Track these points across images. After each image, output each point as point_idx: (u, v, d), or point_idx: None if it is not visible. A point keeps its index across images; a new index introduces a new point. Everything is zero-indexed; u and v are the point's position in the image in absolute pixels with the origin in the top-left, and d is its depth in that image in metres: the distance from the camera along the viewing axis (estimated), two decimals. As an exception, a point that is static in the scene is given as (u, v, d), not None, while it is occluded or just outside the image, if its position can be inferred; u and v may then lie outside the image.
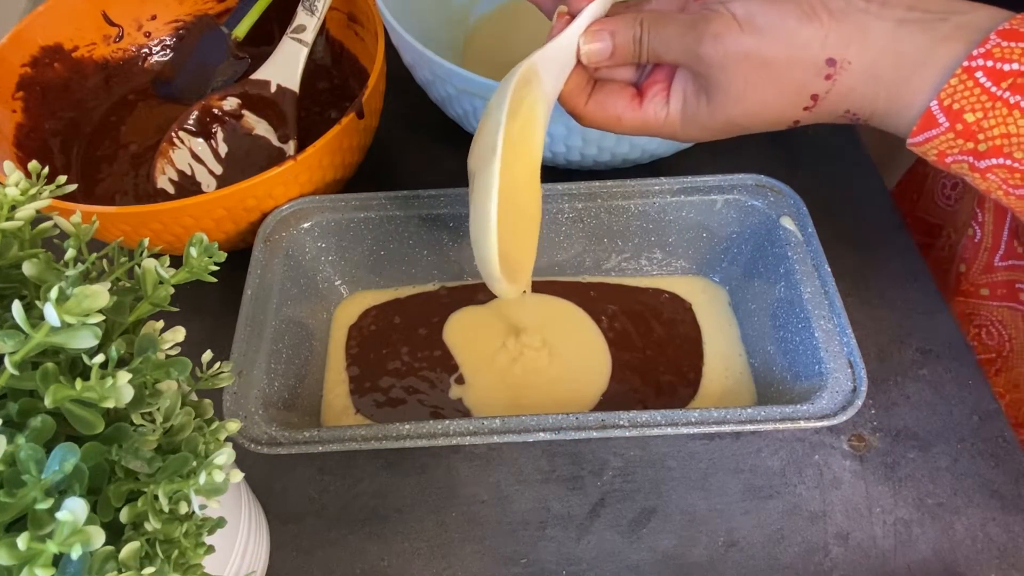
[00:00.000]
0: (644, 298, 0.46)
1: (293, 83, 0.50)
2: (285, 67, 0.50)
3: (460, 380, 0.43)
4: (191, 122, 0.50)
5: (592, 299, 0.46)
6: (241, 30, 0.53)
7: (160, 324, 0.24)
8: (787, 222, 0.41)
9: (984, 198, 0.50)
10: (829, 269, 0.39)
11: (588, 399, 0.42)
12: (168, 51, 0.58)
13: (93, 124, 0.54)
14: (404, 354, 0.44)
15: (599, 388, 0.42)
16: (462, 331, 0.45)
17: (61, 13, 0.51)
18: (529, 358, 0.44)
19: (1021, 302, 0.49)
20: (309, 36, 0.49)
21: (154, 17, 0.56)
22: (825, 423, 0.34)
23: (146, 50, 0.57)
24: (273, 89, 0.50)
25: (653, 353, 0.44)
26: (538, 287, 0.47)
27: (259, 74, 0.50)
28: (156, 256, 0.25)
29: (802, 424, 0.34)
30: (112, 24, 0.55)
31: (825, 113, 0.31)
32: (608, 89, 0.35)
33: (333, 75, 0.57)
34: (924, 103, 0.28)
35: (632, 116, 0.34)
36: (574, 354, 0.44)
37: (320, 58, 0.57)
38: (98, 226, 0.40)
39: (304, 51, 0.50)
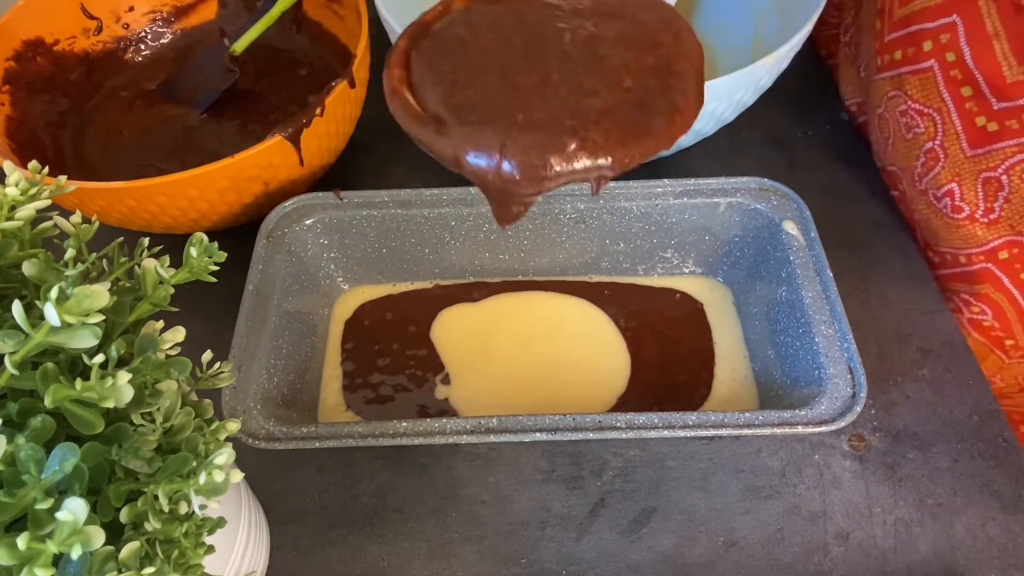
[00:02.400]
0: (657, 297, 0.46)
1: None
2: None
3: (446, 380, 0.43)
4: None
5: (606, 298, 0.46)
6: (240, 45, 0.53)
7: (160, 324, 0.24)
8: (790, 227, 0.41)
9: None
10: (831, 274, 0.39)
11: (604, 401, 0.42)
12: (147, 43, 0.58)
13: (81, 116, 0.54)
14: (394, 351, 0.44)
15: (617, 390, 0.42)
16: (450, 330, 0.45)
17: (41, 7, 0.52)
18: (525, 359, 0.44)
19: (951, 311, 0.48)
20: None
21: (131, 9, 0.57)
22: (823, 429, 0.34)
23: (125, 42, 0.57)
24: None
25: (669, 353, 0.43)
26: (545, 286, 0.46)
27: None
28: (156, 256, 0.25)
29: (800, 430, 0.34)
30: (90, 17, 0.55)
31: None
32: None
33: (312, 60, 0.57)
34: None
35: None
36: (590, 355, 0.44)
37: (298, 46, 0.58)
38: (103, 206, 0.41)
39: None
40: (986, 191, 0.43)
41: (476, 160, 0.23)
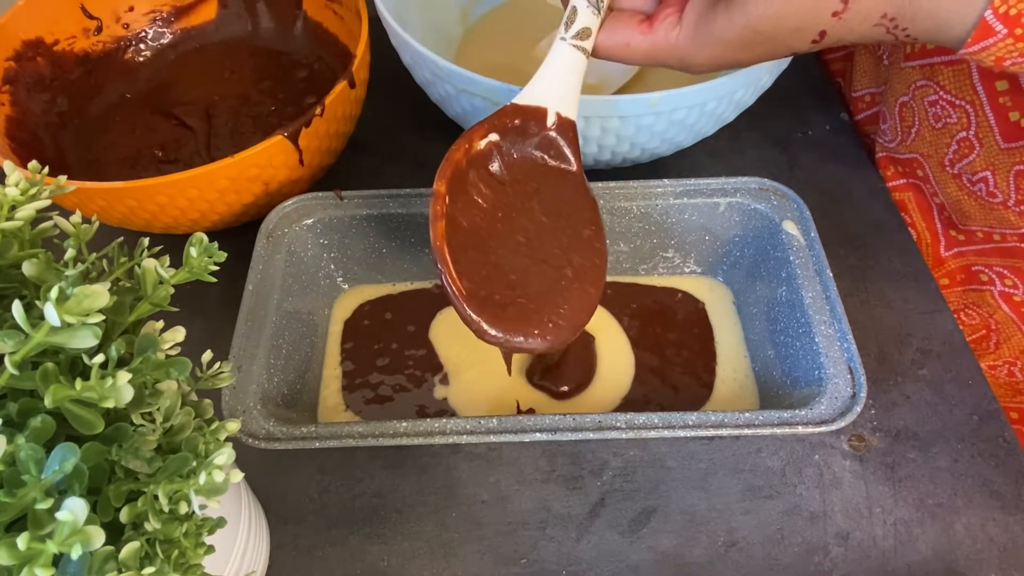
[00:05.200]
0: (658, 297, 0.46)
1: (572, 109, 0.36)
2: (563, 86, 0.35)
3: (445, 380, 0.43)
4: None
5: (608, 298, 0.46)
6: None
7: (160, 324, 0.24)
8: (790, 227, 0.41)
9: (904, 200, 0.51)
10: (831, 274, 0.39)
11: (608, 403, 0.42)
12: (147, 43, 0.58)
13: (81, 116, 0.54)
14: (393, 351, 0.44)
15: (621, 391, 0.42)
16: (449, 330, 0.45)
17: (41, 7, 0.52)
18: (526, 360, 0.43)
19: (982, 282, 0.49)
20: (591, 43, 0.35)
21: (131, 9, 0.57)
22: (823, 429, 0.34)
23: (125, 42, 0.57)
24: (551, 121, 0.35)
25: (671, 354, 0.43)
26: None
27: (528, 98, 0.35)
28: (156, 256, 0.25)
29: (800, 430, 0.34)
30: (90, 17, 0.55)
31: (858, 19, 0.29)
32: (616, 16, 0.34)
33: (312, 61, 0.57)
34: (975, 9, 0.27)
35: (640, 41, 0.33)
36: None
37: (298, 47, 0.58)
38: (103, 206, 0.41)
39: (586, 64, 0.35)
40: (1018, 184, 0.43)
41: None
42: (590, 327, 0.44)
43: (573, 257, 0.34)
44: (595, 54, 0.35)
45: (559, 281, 0.34)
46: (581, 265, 0.34)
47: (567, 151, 0.35)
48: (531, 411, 0.41)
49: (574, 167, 0.36)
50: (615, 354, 0.43)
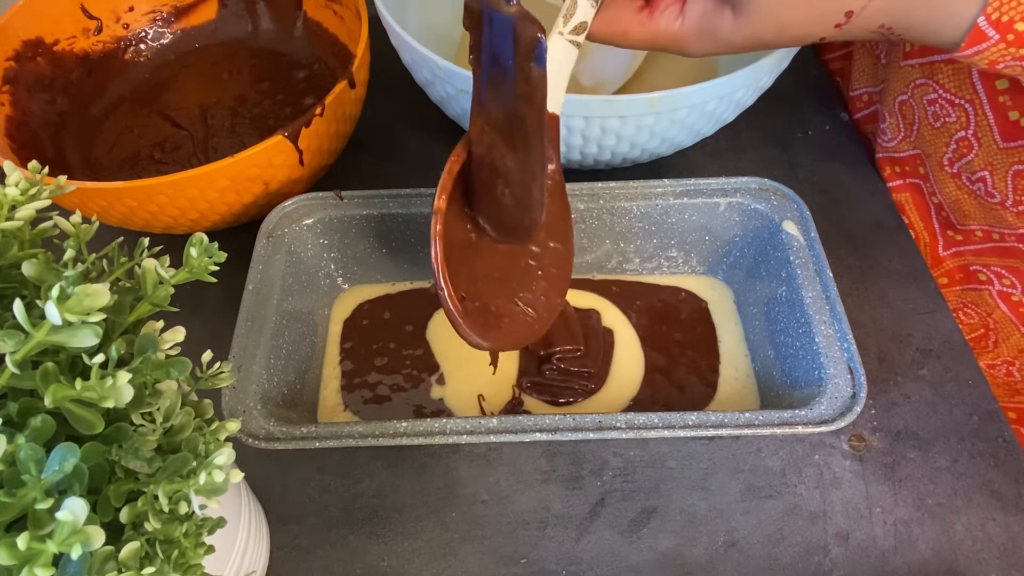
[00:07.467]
0: (664, 296, 0.46)
1: (558, 104, 0.34)
2: (553, 82, 0.33)
3: (441, 380, 0.43)
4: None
5: (613, 296, 0.46)
6: None
7: (160, 324, 0.24)
8: (790, 227, 0.41)
9: (901, 200, 0.52)
10: (831, 274, 0.39)
11: (616, 404, 0.42)
12: (147, 43, 0.58)
13: (81, 116, 0.54)
14: (391, 351, 0.44)
15: (630, 393, 0.42)
16: (445, 330, 0.45)
17: (41, 7, 0.52)
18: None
19: (981, 282, 0.49)
20: (583, 37, 0.34)
21: (131, 9, 0.57)
22: (823, 429, 0.34)
23: (125, 42, 0.57)
24: None
25: (676, 354, 0.43)
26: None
27: None
28: (156, 256, 0.25)
29: (800, 430, 0.34)
30: (90, 17, 0.55)
31: (857, 29, 0.30)
32: (615, 2, 0.34)
33: (311, 61, 0.57)
34: (969, 16, 0.28)
35: (639, 29, 0.33)
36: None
37: (297, 48, 0.58)
38: (103, 206, 0.41)
39: (576, 57, 0.34)
40: (1016, 184, 0.43)
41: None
42: (606, 325, 0.45)
43: (555, 269, 0.35)
44: (590, 39, 0.35)
45: (551, 296, 0.35)
46: (558, 274, 0.35)
47: (548, 147, 0.35)
48: (525, 409, 0.41)
49: (553, 164, 0.35)
50: (627, 357, 0.43)
